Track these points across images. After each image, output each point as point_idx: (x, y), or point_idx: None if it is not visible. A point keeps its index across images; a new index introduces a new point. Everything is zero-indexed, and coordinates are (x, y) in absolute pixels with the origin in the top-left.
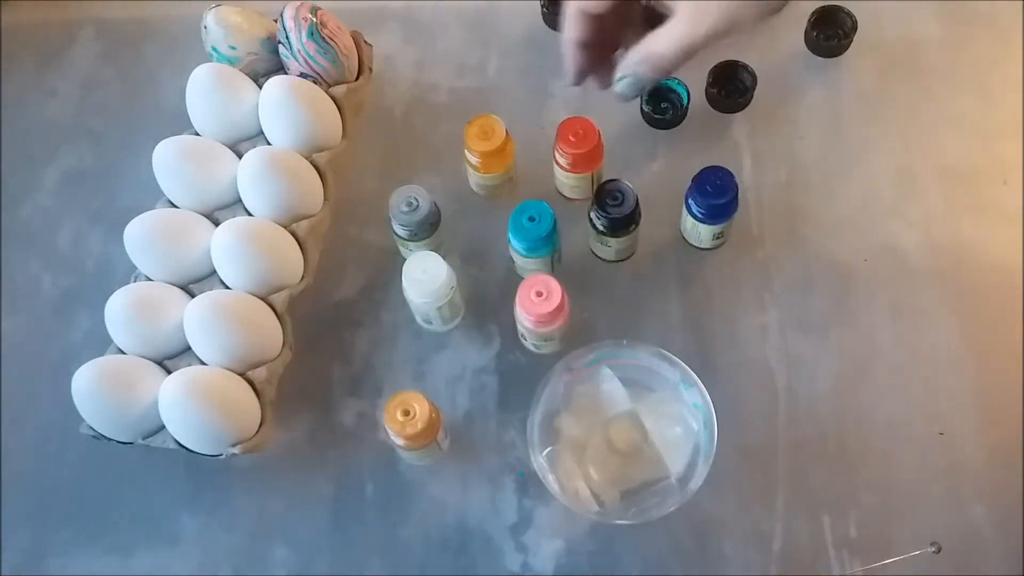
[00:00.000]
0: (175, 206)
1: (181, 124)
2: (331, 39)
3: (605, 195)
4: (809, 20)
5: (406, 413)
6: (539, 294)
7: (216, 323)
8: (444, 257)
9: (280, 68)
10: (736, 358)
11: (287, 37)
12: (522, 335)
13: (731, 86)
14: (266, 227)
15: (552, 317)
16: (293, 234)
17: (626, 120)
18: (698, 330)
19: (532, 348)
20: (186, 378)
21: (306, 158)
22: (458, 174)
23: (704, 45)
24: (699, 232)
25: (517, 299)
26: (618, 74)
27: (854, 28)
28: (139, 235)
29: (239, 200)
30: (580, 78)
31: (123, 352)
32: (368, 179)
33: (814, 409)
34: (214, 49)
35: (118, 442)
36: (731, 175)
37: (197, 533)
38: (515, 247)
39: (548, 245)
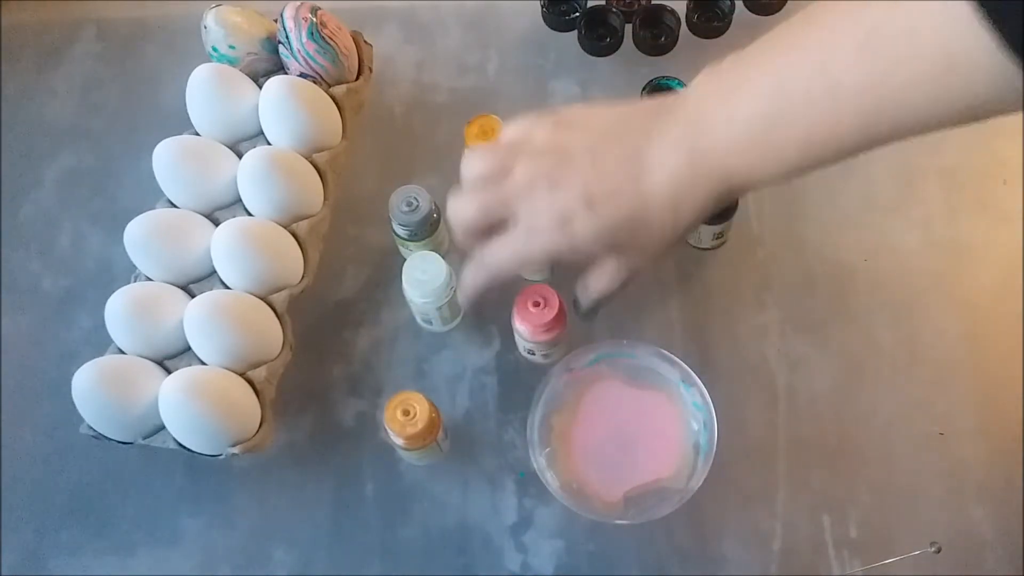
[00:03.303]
0: (175, 206)
1: (181, 124)
2: (331, 39)
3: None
4: None
5: (406, 413)
6: (536, 304)
7: (216, 323)
8: (444, 257)
9: (280, 68)
10: (736, 358)
11: (287, 37)
12: (530, 351)
13: None
14: (266, 227)
15: (551, 326)
16: (293, 234)
17: None
18: (698, 330)
19: (542, 359)
20: (186, 378)
21: (306, 158)
22: (458, 174)
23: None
24: (699, 232)
25: (515, 309)
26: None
27: None
28: (139, 235)
29: (239, 200)
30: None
31: (123, 352)
32: (368, 179)
33: (814, 409)
34: (214, 49)
35: (118, 442)
36: None
37: (197, 533)
38: None
39: None
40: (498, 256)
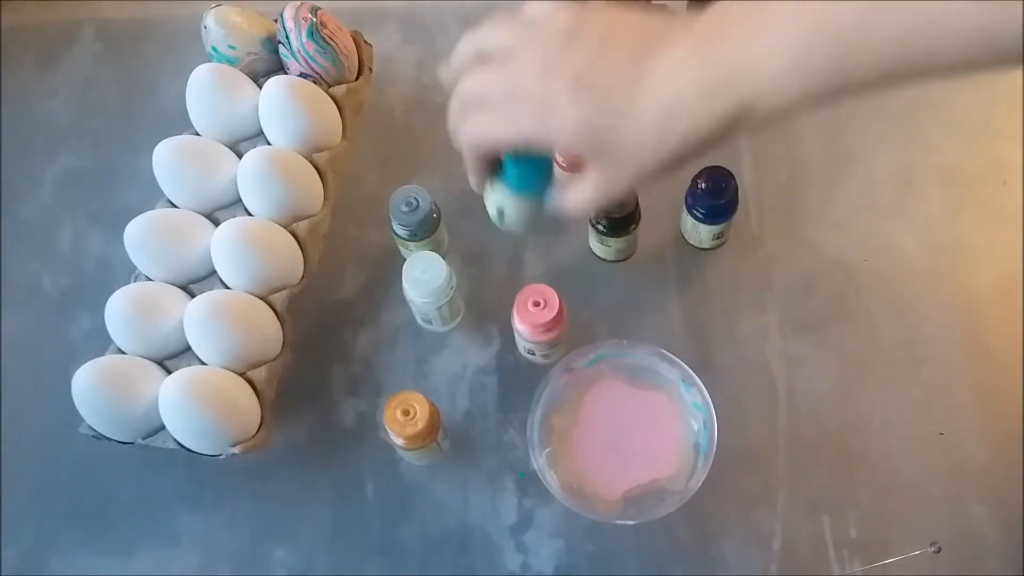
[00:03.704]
0: (175, 206)
1: (181, 124)
2: (331, 39)
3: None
4: None
5: (406, 413)
6: (536, 304)
7: (216, 323)
8: (444, 257)
9: (280, 68)
10: (736, 358)
11: (287, 37)
12: (530, 351)
13: None
14: (266, 227)
15: (551, 326)
16: (293, 234)
17: None
18: (698, 330)
19: (542, 359)
20: (186, 378)
21: (306, 158)
22: (458, 174)
23: (613, 200)
24: (699, 232)
25: (515, 309)
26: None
27: None
28: (139, 235)
29: (239, 200)
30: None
31: (123, 352)
32: (368, 179)
33: (814, 409)
34: (214, 49)
35: (118, 442)
36: (731, 175)
37: (197, 533)
38: (508, 181)
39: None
40: (474, 127)
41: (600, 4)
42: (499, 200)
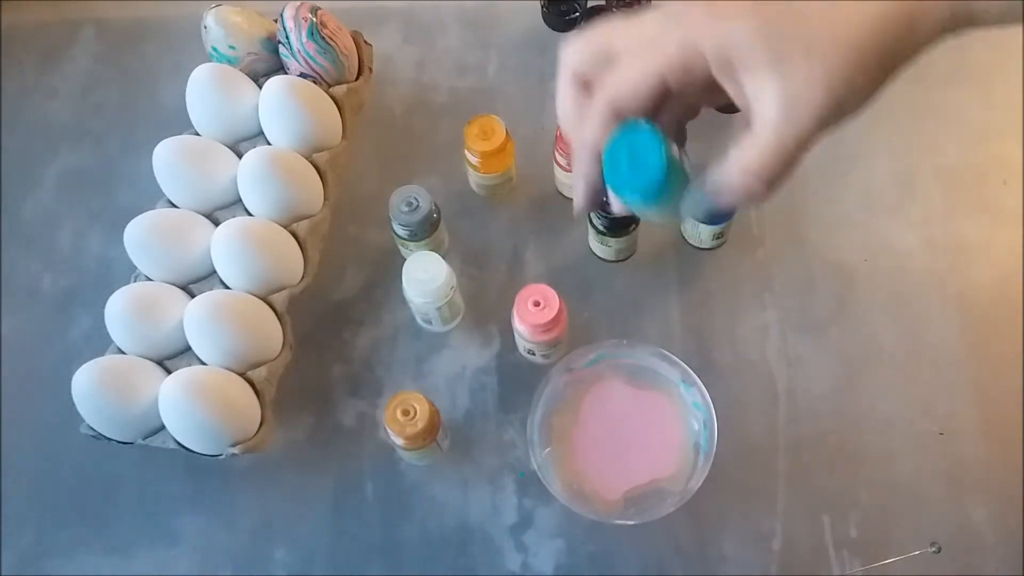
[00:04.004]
0: (175, 206)
1: (181, 124)
2: (331, 39)
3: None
4: None
5: (406, 413)
6: (537, 304)
7: (216, 323)
8: (444, 257)
9: (280, 68)
10: (736, 358)
11: (287, 37)
12: (530, 351)
13: None
14: (266, 227)
15: (551, 326)
16: (293, 234)
17: None
18: (698, 330)
19: (542, 359)
20: (186, 378)
21: (306, 158)
22: (458, 174)
23: (810, 144)
24: (699, 232)
25: (515, 309)
26: (688, 200)
27: None
28: (139, 235)
29: (239, 200)
30: (591, 208)
31: (123, 352)
32: (368, 179)
33: (814, 409)
34: (214, 49)
35: (118, 442)
36: None
37: (197, 533)
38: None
39: (665, 188)
40: (617, 78)
41: None
42: (630, 209)
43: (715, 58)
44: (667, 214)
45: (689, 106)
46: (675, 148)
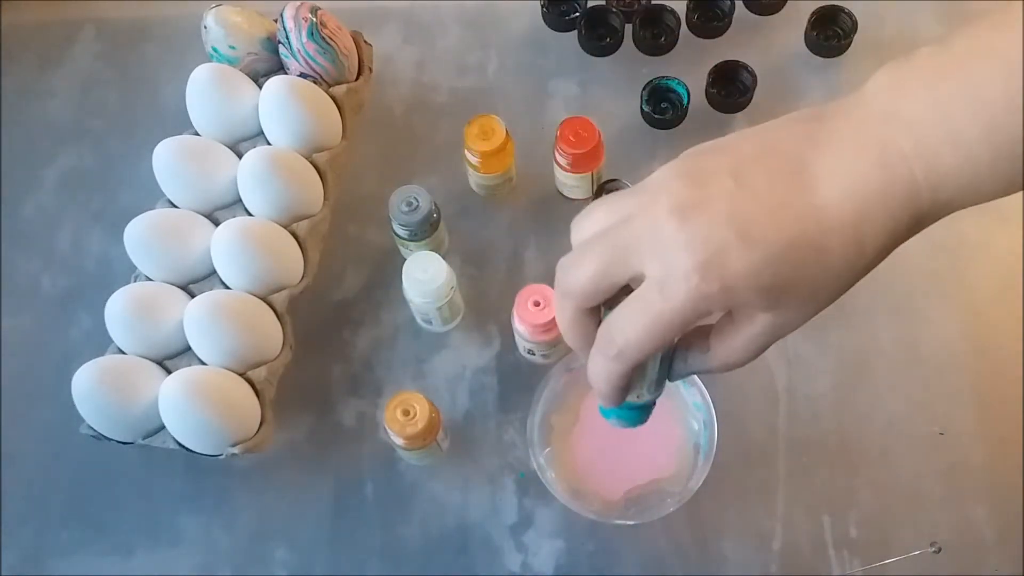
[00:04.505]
0: (175, 206)
1: (181, 124)
2: (331, 39)
3: (605, 195)
4: (809, 20)
5: (406, 413)
6: (537, 304)
7: (216, 323)
8: (444, 257)
9: (280, 68)
10: None
11: (287, 37)
12: (530, 351)
13: (731, 86)
14: (266, 227)
15: (551, 326)
16: (293, 234)
17: (626, 120)
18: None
19: (542, 359)
20: (186, 378)
21: (306, 158)
22: (458, 174)
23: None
24: None
25: (515, 310)
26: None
27: (854, 28)
28: (139, 235)
29: (239, 200)
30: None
31: (123, 352)
32: (368, 179)
33: (814, 409)
34: (214, 49)
35: (118, 442)
36: None
37: (197, 533)
38: None
39: None
40: (628, 328)
41: (692, 149)
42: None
43: (732, 305)
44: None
45: None
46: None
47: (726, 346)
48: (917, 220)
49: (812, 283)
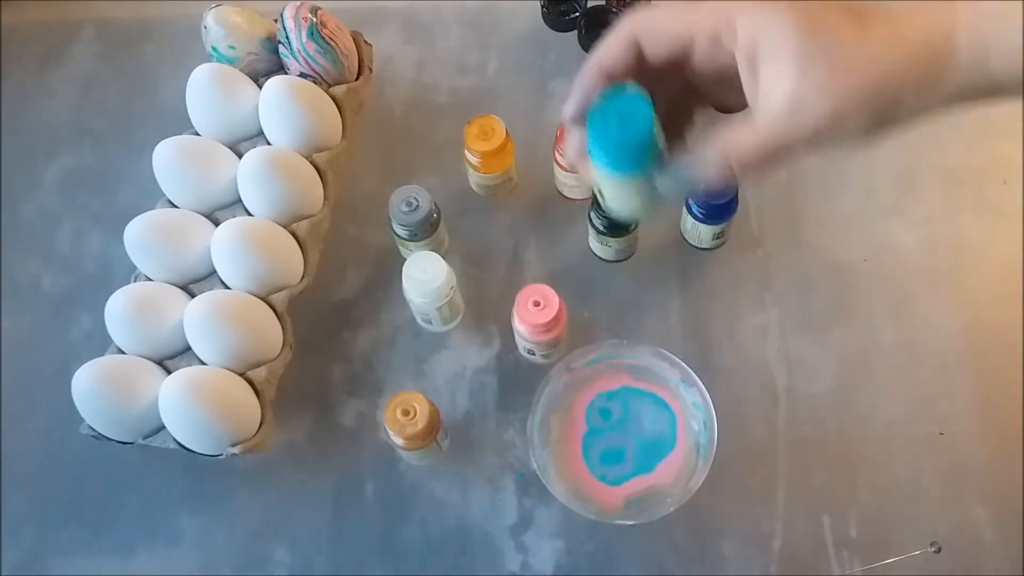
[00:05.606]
0: (175, 206)
1: (181, 124)
2: (331, 39)
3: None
4: None
5: (406, 413)
6: (537, 304)
7: (216, 323)
8: (444, 257)
9: (280, 68)
10: (736, 358)
11: (287, 37)
12: (530, 351)
13: None
14: (266, 227)
15: (551, 326)
16: (293, 234)
17: None
18: (698, 330)
19: (542, 359)
20: (186, 378)
21: (306, 158)
22: (458, 174)
23: (792, 155)
24: (699, 232)
25: (515, 310)
26: (667, 175)
27: None
28: (139, 235)
29: (239, 200)
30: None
31: (123, 352)
32: (368, 179)
33: (814, 409)
34: (214, 49)
35: (118, 442)
36: None
37: (197, 533)
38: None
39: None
40: (650, 15)
41: None
42: (603, 184)
43: (746, 37)
44: (638, 188)
45: (685, 99)
46: (658, 123)
47: (738, 132)
48: (963, 89)
49: (842, 54)
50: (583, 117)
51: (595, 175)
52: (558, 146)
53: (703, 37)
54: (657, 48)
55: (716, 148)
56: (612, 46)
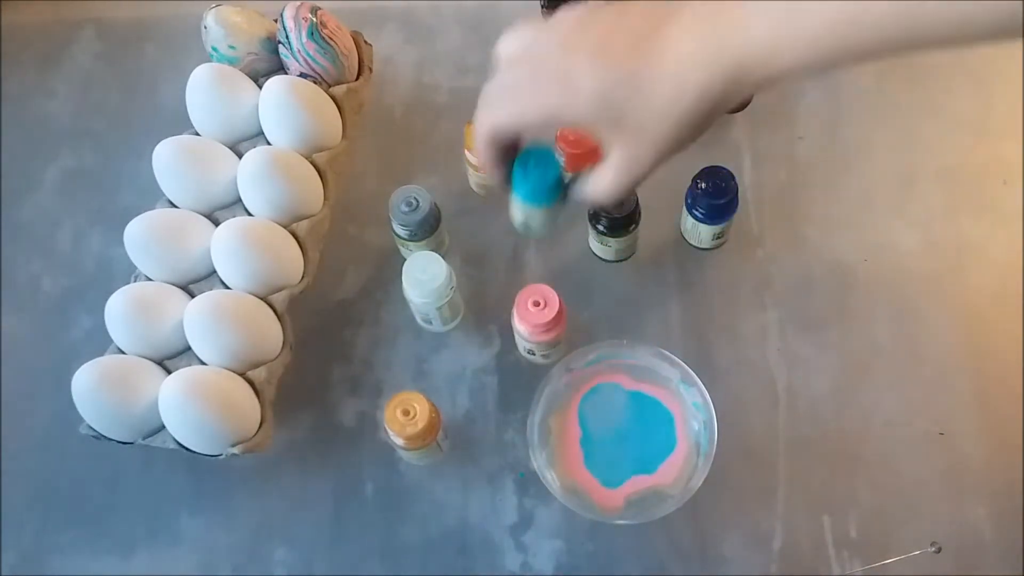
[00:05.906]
0: (175, 206)
1: (181, 124)
2: (331, 39)
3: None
4: None
5: (406, 413)
6: (537, 304)
7: (216, 323)
8: (444, 257)
9: (280, 68)
10: (736, 358)
11: (287, 37)
12: (530, 351)
13: None
14: (266, 227)
15: (551, 326)
16: (293, 234)
17: None
18: (698, 330)
19: (542, 359)
20: (186, 378)
21: (306, 158)
22: (458, 174)
23: (648, 176)
24: (699, 232)
25: (515, 310)
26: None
27: None
28: (139, 235)
29: (239, 200)
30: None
31: (123, 352)
32: (368, 179)
33: (814, 409)
34: (214, 49)
35: (118, 442)
36: (731, 175)
37: (197, 533)
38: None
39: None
40: (496, 112)
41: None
42: (522, 212)
43: (581, 124)
44: (544, 214)
45: None
46: (563, 165)
47: (597, 177)
48: (729, 84)
49: (642, 116)
50: (508, 178)
51: (514, 204)
52: (557, 145)
53: (539, 122)
54: (509, 136)
55: (588, 193)
56: (483, 150)
